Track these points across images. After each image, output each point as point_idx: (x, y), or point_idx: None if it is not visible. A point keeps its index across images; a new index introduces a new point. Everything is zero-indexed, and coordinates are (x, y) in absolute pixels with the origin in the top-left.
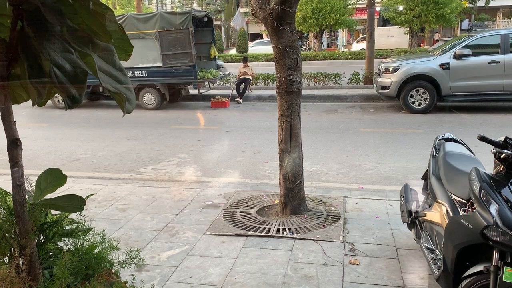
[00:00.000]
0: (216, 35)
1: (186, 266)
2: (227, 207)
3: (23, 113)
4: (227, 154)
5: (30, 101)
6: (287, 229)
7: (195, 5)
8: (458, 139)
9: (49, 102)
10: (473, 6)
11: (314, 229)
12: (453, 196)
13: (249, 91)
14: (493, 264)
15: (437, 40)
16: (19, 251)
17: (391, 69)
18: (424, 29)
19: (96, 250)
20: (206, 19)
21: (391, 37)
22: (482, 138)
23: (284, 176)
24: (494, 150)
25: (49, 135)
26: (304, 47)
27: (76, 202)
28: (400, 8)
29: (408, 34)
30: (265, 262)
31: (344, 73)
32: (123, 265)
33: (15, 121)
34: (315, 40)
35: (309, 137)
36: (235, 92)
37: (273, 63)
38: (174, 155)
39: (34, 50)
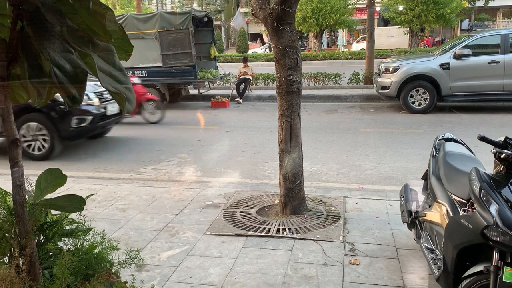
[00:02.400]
0: (216, 35)
1: (186, 266)
2: (227, 207)
3: None
4: (227, 154)
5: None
6: (287, 229)
7: (195, 5)
8: (458, 139)
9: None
10: (472, 6)
11: (314, 229)
12: (453, 196)
13: (249, 91)
14: (493, 264)
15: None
16: (19, 251)
17: (391, 69)
18: (424, 29)
19: (96, 250)
20: (206, 19)
21: (391, 37)
22: (482, 138)
23: (284, 176)
24: (494, 150)
25: None
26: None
27: (76, 202)
28: (400, 8)
29: (408, 34)
30: (265, 262)
31: (344, 73)
32: (123, 265)
33: (15, 121)
34: (315, 40)
35: (309, 137)
36: (235, 92)
37: (273, 63)
38: (174, 155)
39: (34, 50)
